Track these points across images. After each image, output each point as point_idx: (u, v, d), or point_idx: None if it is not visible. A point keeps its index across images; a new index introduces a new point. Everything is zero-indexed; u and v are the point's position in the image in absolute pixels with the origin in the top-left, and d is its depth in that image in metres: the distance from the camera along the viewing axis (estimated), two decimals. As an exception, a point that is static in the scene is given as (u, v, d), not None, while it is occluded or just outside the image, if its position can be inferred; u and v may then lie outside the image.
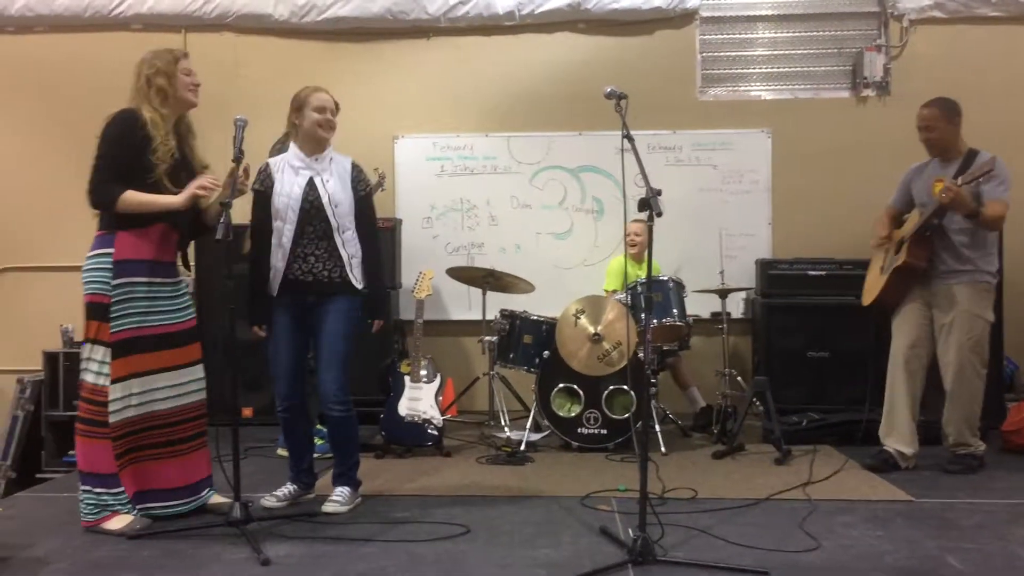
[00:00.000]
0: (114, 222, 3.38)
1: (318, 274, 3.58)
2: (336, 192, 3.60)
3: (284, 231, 3.58)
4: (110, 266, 3.35)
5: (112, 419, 3.34)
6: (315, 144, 3.62)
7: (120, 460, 3.38)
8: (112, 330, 3.34)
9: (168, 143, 3.38)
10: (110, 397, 3.34)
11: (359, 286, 3.65)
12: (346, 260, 3.61)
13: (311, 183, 3.58)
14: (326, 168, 3.63)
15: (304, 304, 3.62)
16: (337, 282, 3.60)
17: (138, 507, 3.42)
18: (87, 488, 3.40)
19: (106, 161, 3.36)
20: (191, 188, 3.37)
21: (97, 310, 3.37)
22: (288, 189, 3.58)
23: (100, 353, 3.37)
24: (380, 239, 3.76)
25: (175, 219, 3.45)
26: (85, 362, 3.42)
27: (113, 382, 3.35)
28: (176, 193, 3.37)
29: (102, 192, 3.34)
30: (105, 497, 3.39)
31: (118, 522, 3.36)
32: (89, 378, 3.40)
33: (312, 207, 3.57)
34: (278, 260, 3.59)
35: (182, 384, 3.52)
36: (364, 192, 3.72)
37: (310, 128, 3.58)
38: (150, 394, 3.42)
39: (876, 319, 4.72)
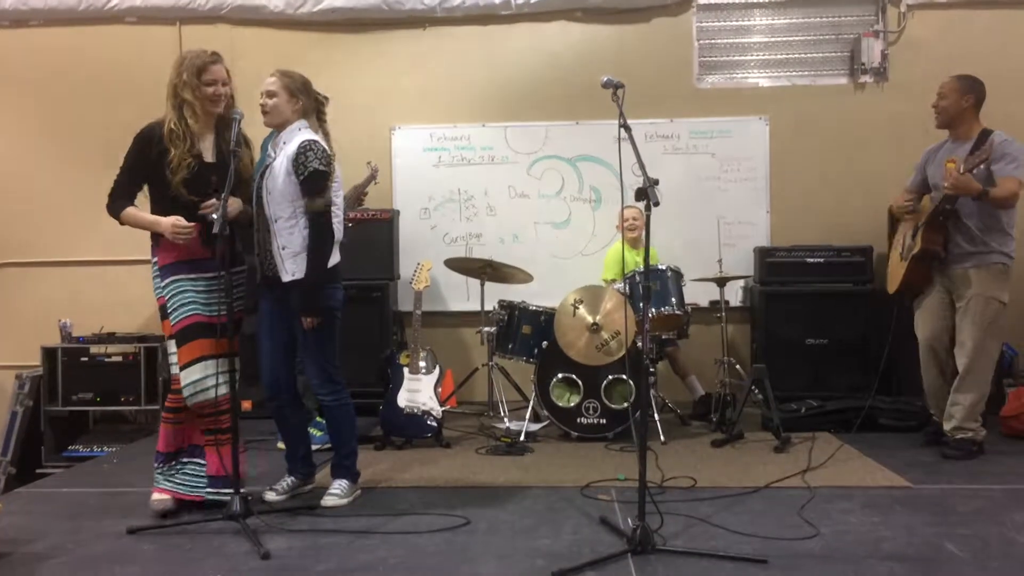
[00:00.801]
0: (155, 232, 3.52)
1: (274, 268, 3.53)
2: (272, 178, 3.49)
3: (254, 222, 3.62)
4: (158, 272, 3.54)
5: (188, 402, 3.48)
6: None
7: (208, 437, 3.59)
8: (172, 322, 3.49)
9: (185, 155, 3.42)
10: (182, 383, 3.47)
11: (285, 278, 3.48)
12: (276, 250, 3.50)
13: (266, 171, 3.55)
14: (279, 153, 3.53)
15: (279, 296, 3.58)
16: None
17: (210, 489, 3.59)
18: (154, 463, 3.63)
19: (121, 175, 3.53)
20: (169, 223, 3.40)
21: (161, 310, 3.55)
22: (256, 178, 3.60)
23: (172, 346, 3.53)
24: (321, 227, 3.46)
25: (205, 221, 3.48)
26: (169, 356, 3.59)
27: (181, 368, 3.48)
28: (196, 201, 3.45)
29: (111, 207, 3.52)
30: (161, 471, 3.59)
31: (155, 496, 3.57)
32: (172, 369, 3.56)
33: (258, 196, 3.55)
34: (254, 253, 3.63)
35: (223, 373, 3.51)
36: (303, 175, 3.42)
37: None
38: (210, 379, 3.49)
39: (896, 306, 4.76)
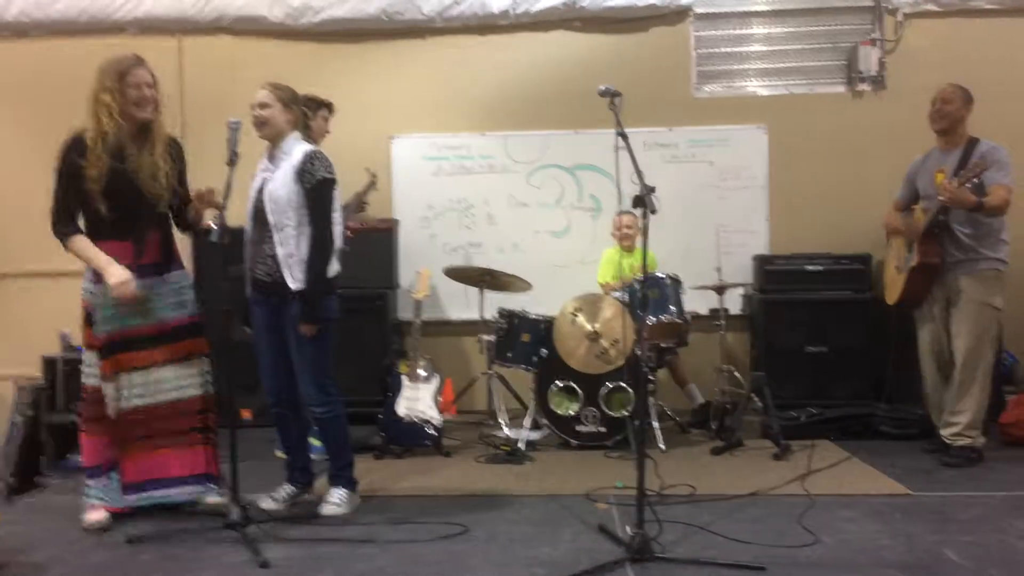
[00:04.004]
0: (88, 233, 3.47)
1: (274, 275, 3.53)
2: (275, 188, 3.51)
3: (246, 232, 3.62)
4: (92, 277, 3.48)
5: (111, 412, 3.49)
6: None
7: (121, 448, 3.55)
8: (94, 333, 3.48)
9: (99, 162, 3.37)
10: (105, 394, 3.48)
11: (293, 285, 3.49)
12: (282, 258, 3.50)
13: (264, 181, 3.58)
14: (281, 164, 3.56)
15: (275, 304, 3.59)
16: (284, 283, 3.53)
17: (126, 495, 3.56)
18: (86, 479, 3.59)
19: (55, 198, 3.47)
20: (118, 279, 3.38)
21: (86, 316, 3.53)
22: (251, 190, 3.61)
23: (90, 357, 3.53)
24: (324, 236, 3.50)
25: (136, 229, 3.48)
26: (83, 365, 3.59)
27: (104, 380, 3.49)
28: (110, 211, 3.41)
29: (57, 232, 3.47)
30: (96, 489, 3.55)
31: (90, 515, 3.52)
32: (83, 379, 3.57)
33: (258, 207, 3.56)
34: (246, 261, 3.64)
35: (175, 379, 3.59)
36: (310, 184, 3.48)
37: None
38: (138, 388, 3.53)
39: (896, 316, 4.80)
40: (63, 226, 3.44)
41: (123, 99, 3.42)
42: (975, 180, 4.09)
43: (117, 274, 3.38)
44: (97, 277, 3.44)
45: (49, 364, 5.70)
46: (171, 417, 3.60)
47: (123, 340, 3.49)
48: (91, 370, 3.51)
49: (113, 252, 3.43)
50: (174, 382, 3.60)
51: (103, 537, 3.39)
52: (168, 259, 3.62)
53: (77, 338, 5.76)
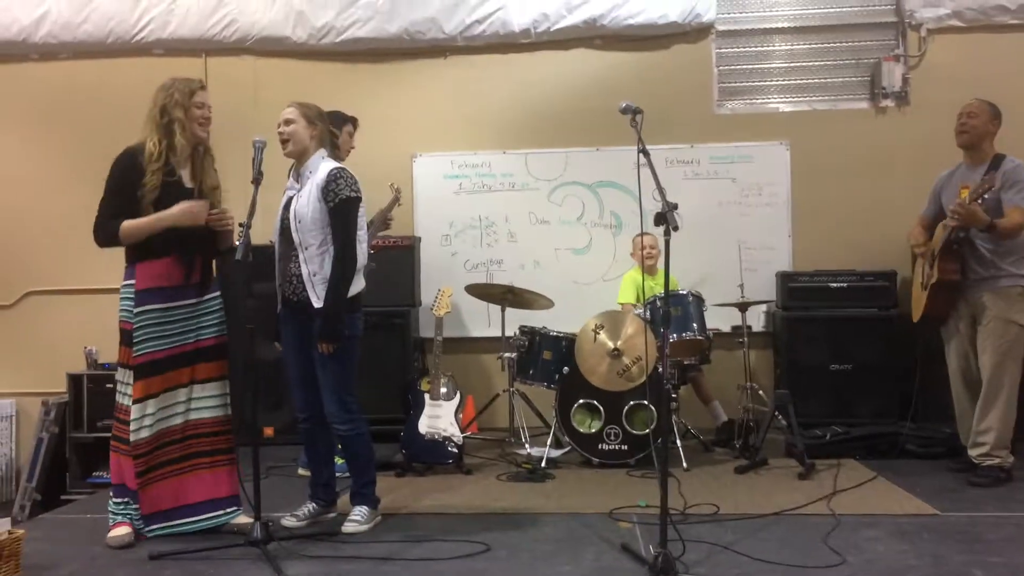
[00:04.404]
0: (132, 255, 3.53)
1: (299, 294, 3.56)
2: (301, 207, 3.54)
3: (276, 251, 3.66)
4: (133, 295, 3.50)
5: (132, 438, 3.48)
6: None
7: (140, 479, 3.50)
8: (134, 354, 3.48)
9: (158, 175, 3.44)
10: (131, 417, 3.48)
11: (317, 304, 3.51)
12: (306, 277, 3.53)
13: (290, 200, 3.61)
14: (306, 182, 3.59)
15: (303, 321, 3.61)
16: (310, 301, 3.55)
17: (148, 527, 3.54)
18: (111, 496, 3.57)
19: (104, 204, 3.53)
20: (184, 205, 3.45)
21: (125, 336, 3.53)
22: (280, 208, 3.65)
23: (127, 376, 3.52)
24: (347, 254, 3.50)
25: (186, 246, 3.52)
26: (119, 384, 3.57)
27: (134, 403, 3.48)
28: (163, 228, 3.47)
29: (101, 232, 3.51)
30: (120, 505, 3.54)
31: (114, 532, 3.50)
32: (118, 398, 3.56)
33: (284, 225, 3.59)
34: (276, 280, 3.67)
35: (200, 399, 3.61)
36: (334, 203, 3.50)
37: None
38: (164, 411, 3.54)
39: (923, 334, 4.76)
40: (109, 224, 3.46)
41: (188, 117, 3.50)
42: (985, 196, 4.05)
43: (181, 207, 3.43)
44: (140, 300, 3.47)
45: (75, 381, 5.77)
46: (195, 439, 3.60)
47: (163, 361, 3.50)
48: (126, 389, 3.52)
49: (163, 270, 3.49)
50: (201, 402, 3.61)
51: (126, 554, 3.40)
52: (208, 279, 3.66)
53: (104, 355, 5.87)
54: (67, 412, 5.75)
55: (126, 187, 3.46)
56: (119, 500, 3.54)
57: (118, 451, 3.54)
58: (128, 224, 3.45)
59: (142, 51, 6.34)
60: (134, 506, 3.53)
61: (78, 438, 5.71)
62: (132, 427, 3.46)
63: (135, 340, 3.46)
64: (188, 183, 3.57)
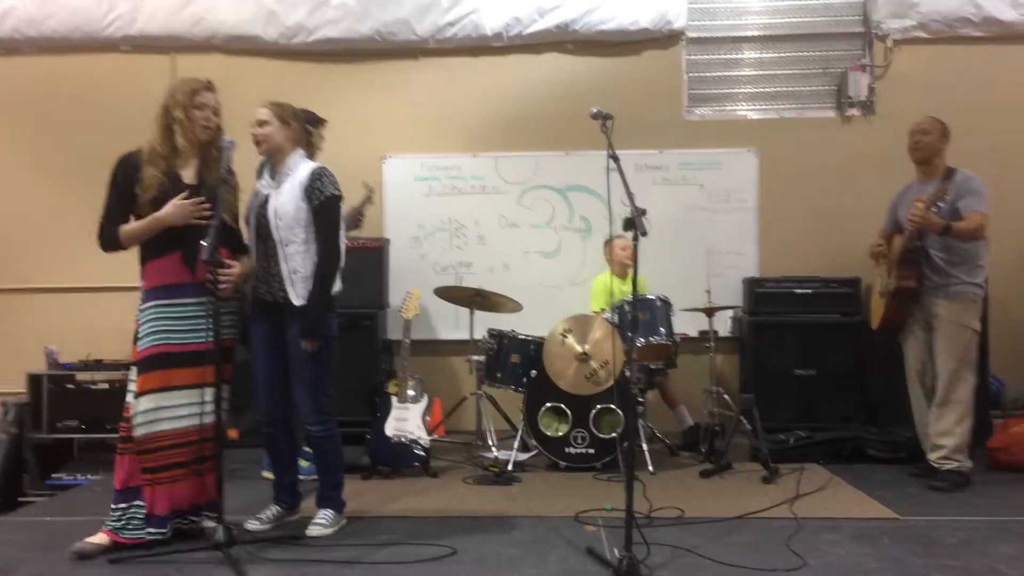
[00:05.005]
0: (143, 255, 3.50)
1: (275, 293, 3.55)
2: (282, 204, 3.52)
3: (251, 250, 3.63)
4: (143, 295, 3.49)
5: (135, 432, 3.40)
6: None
7: (147, 476, 3.42)
8: (138, 349, 3.45)
9: (159, 174, 3.41)
10: (132, 412, 3.41)
11: (297, 302, 3.50)
12: (286, 275, 3.52)
13: (267, 198, 3.59)
14: (284, 181, 3.57)
15: (276, 322, 3.59)
16: (288, 300, 3.53)
17: (151, 528, 3.42)
18: (112, 504, 3.47)
19: (106, 208, 3.50)
20: (173, 202, 3.39)
21: (134, 334, 3.49)
22: (249, 207, 3.63)
23: (134, 373, 3.47)
24: (332, 252, 3.52)
25: (191, 244, 3.43)
26: (129, 383, 3.51)
27: (136, 397, 3.42)
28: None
29: (104, 238, 3.49)
30: (117, 512, 3.43)
31: (93, 537, 3.40)
32: (127, 397, 3.49)
33: (262, 223, 3.57)
34: (252, 279, 3.64)
35: (202, 404, 3.48)
36: (319, 202, 3.50)
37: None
38: (163, 411, 3.44)
39: (883, 340, 4.85)
40: (110, 230, 3.44)
41: (189, 118, 3.46)
42: (940, 204, 4.22)
43: (170, 204, 3.38)
44: (145, 299, 3.44)
45: (35, 381, 5.67)
46: (199, 443, 3.50)
47: (166, 355, 3.43)
48: (132, 386, 3.46)
49: (166, 267, 3.44)
50: (197, 407, 3.49)
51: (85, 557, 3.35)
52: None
53: (65, 355, 5.78)
54: (26, 413, 5.65)
55: (127, 188, 3.44)
56: (117, 507, 3.42)
57: (124, 452, 3.46)
58: (127, 228, 3.44)
59: (108, 47, 6.25)
60: (132, 510, 3.42)
61: (37, 439, 5.62)
62: (135, 422, 3.39)
63: (139, 336, 3.44)
64: (191, 182, 3.51)
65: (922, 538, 3.51)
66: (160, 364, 3.42)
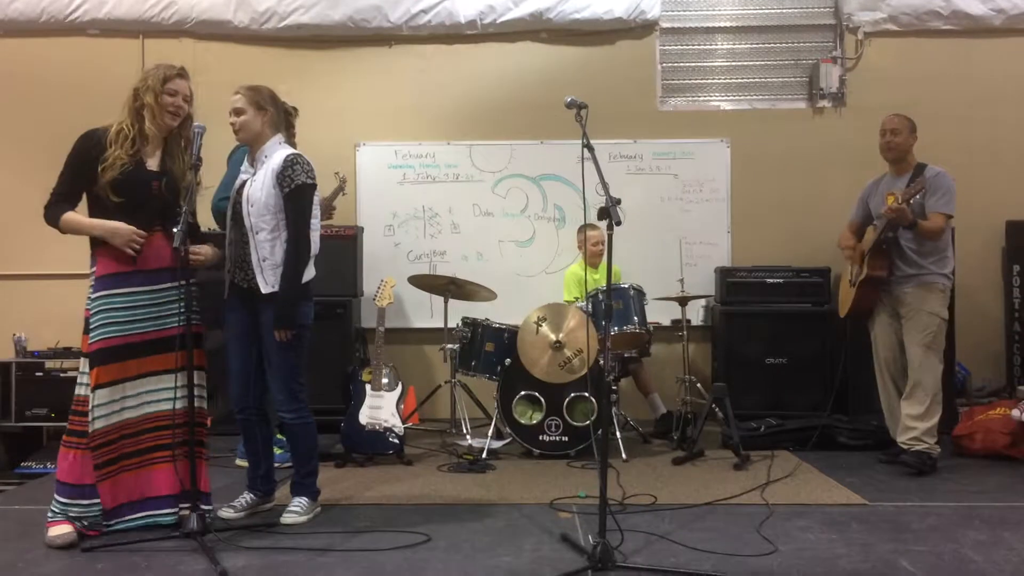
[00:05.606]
0: (93, 241, 3.42)
1: (251, 280, 3.52)
2: (255, 191, 3.49)
3: (227, 235, 3.62)
4: (93, 282, 3.41)
5: (90, 428, 3.34)
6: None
7: (99, 471, 3.35)
8: (89, 341, 3.38)
9: (122, 155, 3.35)
10: (89, 406, 3.34)
11: (265, 289, 3.47)
12: (256, 262, 3.48)
13: (244, 183, 3.56)
14: (261, 167, 3.54)
15: (250, 309, 3.57)
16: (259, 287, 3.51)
17: (107, 522, 3.38)
18: (55, 494, 3.39)
19: (60, 182, 3.43)
20: (115, 225, 3.34)
21: (85, 323, 3.42)
22: (232, 193, 3.61)
23: (85, 364, 3.40)
24: (301, 240, 3.47)
25: (153, 225, 3.42)
26: (79, 375, 3.44)
27: (92, 391, 3.35)
28: (119, 204, 3.35)
29: (48, 215, 3.42)
30: (64, 505, 3.36)
31: (54, 530, 3.33)
32: (76, 389, 3.43)
33: (236, 209, 3.54)
34: (226, 265, 3.62)
35: (164, 390, 3.47)
36: (289, 189, 3.45)
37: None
38: (123, 401, 3.40)
39: (852, 329, 4.97)
40: (63, 206, 3.37)
41: (159, 104, 3.41)
42: (916, 197, 4.32)
43: (114, 226, 3.33)
44: (97, 287, 3.38)
45: (3, 368, 5.60)
46: (160, 431, 3.46)
47: (121, 348, 3.37)
48: (83, 378, 3.40)
49: (119, 256, 3.37)
50: (160, 394, 3.46)
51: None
52: (172, 266, 3.48)
53: (33, 342, 5.71)
54: (-6, 401, 5.58)
55: (85, 165, 3.36)
56: (64, 500, 3.35)
57: (70, 446, 3.38)
58: (69, 217, 3.37)
59: (76, 31, 6.16)
60: (86, 503, 3.35)
61: (5, 427, 5.54)
62: (92, 415, 3.31)
63: (91, 327, 3.37)
64: (152, 167, 3.45)
65: (891, 524, 3.57)
66: (114, 357, 3.37)
